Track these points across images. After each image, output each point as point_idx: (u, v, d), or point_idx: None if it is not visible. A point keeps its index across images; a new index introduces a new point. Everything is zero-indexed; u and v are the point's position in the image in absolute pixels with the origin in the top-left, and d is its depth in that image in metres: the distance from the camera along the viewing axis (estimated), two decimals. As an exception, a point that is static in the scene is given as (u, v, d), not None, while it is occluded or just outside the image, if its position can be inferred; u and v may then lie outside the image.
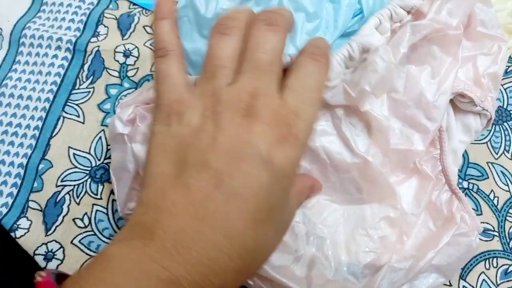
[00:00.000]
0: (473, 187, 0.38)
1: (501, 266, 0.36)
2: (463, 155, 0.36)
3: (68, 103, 0.42)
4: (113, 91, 0.43)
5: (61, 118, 0.42)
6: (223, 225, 0.20)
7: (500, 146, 0.40)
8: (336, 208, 0.29)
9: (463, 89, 0.30)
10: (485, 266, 0.36)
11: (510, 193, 0.38)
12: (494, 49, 0.31)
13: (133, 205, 0.30)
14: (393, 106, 0.29)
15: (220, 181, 0.21)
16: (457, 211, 0.31)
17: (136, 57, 0.44)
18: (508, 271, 0.36)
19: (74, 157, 0.40)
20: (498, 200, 0.38)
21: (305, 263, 0.28)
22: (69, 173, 0.39)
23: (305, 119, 0.23)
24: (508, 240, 0.37)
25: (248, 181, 0.21)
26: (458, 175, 0.36)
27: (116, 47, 0.44)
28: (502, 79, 0.42)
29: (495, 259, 0.36)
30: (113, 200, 0.38)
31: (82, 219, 0.38)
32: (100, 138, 0.41)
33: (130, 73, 0.43)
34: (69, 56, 0.44)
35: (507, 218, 0.37)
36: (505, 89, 0.42)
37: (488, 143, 0.40)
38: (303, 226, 0.28)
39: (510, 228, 0.37)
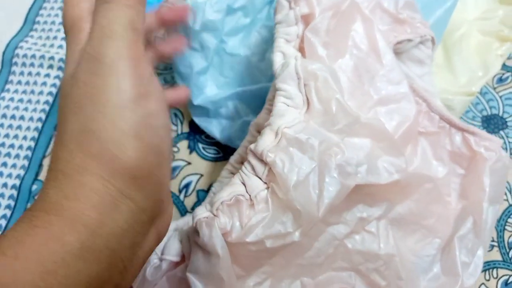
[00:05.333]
0: (470, 196, 0.38)
1: (501, 277, 0.35)
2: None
3: (60, 122, 0.42)
4: (106, 109, 0.42)
5: (54, 138, 0.41)
6: None
7: (497, 154, 0.39)
8: (380, 225, 0.28)
9: (396, 37, 0.30)
10: (485, 277, 0.35)
11: (509, 202, 0.37)
12: None
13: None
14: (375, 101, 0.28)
15: None
16: (478, 146, 0.30)
17: (129, 74, 0.44)
18: (509, 281, 0.35)
19: (67, 177, 0.40)
20: (496, 210, 0.37)
21: None
22: (62, 193, 0.39)
23: None
24: (507, 250, 0.36)
25: None
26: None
27: (108, 65, 0.44)
28: (497, 87, 0.42)
29: (495, 269, 0.36)
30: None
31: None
32: (93, 156, 0.40)
33: (122, 90, 0.43)
34: (61, 75, 0.44)
35: (506, 227, 0.37)
36: (500, 97, 0.41)
37: (485, 151, 0.39)
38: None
39: (509, 237, 0.36)
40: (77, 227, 0.19)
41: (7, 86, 0.44)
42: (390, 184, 0.26)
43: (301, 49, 0.28)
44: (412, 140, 0.29)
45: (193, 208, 0.38)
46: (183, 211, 0.38)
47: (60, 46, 0.45)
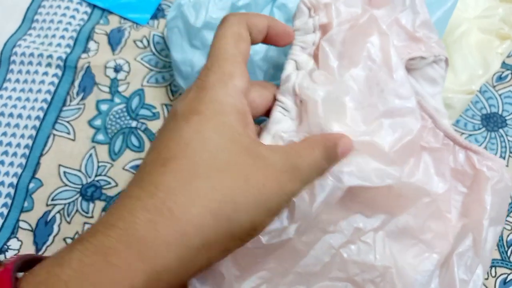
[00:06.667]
0: (469, 195, 0.37)
1: (500, 276, 0.35)
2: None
3: (58, 121, 0.42)
4: (103, 107, 0.42)
5: (51, 136, 0.41)
6: None
7: (496, 152, 0.39)
8: (377, 237, 0.28)
9: (409, 54, 0.30)
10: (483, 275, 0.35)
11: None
12: (407, 2, 0.30)
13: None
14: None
15: None
16: (481, 165, 0.30)
17: (127, 72, 0.44)
18: (507, 280, 0.35)
19: (65, 175, 0.40)
20: (495, 208, 0.37)
21: None
22: (60, 192, 0.39)
23: None
24: (506, 249, 0.36)
25: None
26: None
27: (107, 62, 0.44)
28: (496, 85, 0.41)
29: (493, 268, 0.35)
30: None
31: (73, 239, 0.38)
32: (91, 155, 0.40)
33: (121, 88, 0.43)
34: (60, 73, 0.44)
35: (505, 226, 0.37)
36: (499, 95, 0.41)
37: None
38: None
39: (508, 236, 0.36)
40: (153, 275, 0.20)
41: (5, 84, 0.44)
42: (384, 191, 0.26)
43: (315, 56, 0.28)
44: (415, 155, 0.29)
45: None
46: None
47: (59, 45, 0.45)
